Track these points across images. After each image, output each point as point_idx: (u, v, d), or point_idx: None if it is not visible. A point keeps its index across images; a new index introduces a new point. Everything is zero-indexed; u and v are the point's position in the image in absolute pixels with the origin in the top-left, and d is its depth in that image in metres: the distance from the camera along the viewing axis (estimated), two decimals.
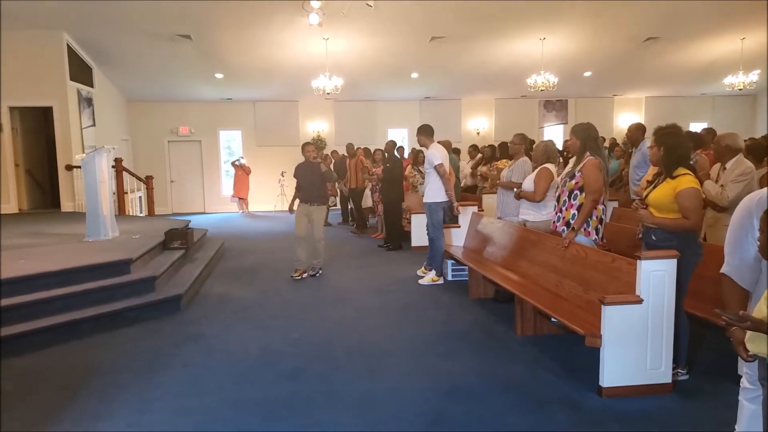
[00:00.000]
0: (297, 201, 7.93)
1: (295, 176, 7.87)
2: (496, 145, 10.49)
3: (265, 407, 3.69)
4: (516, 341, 4.91)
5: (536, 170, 5.61)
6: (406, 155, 13.01)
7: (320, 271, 7.73)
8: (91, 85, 12.80)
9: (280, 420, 3.52)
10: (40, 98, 11.45)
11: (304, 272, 7.60)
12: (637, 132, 6.97)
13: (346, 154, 12.95)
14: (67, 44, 11.44)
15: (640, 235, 4.04)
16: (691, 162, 5.41)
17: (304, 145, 7.89)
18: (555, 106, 18.16)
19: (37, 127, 12.76)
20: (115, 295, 5.71)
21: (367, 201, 11.68)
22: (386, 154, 10.33)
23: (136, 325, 5.47)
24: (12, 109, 11.48)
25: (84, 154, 7.78)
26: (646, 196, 3.96)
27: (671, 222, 3.76)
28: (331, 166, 13.42)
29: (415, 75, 14.93)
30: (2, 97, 11.17)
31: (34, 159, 12.67)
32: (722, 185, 5.00)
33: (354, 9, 9.97)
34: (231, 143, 17.53)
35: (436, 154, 6.95)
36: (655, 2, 10.68)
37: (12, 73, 11.13)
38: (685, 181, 3.71)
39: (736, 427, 2.55)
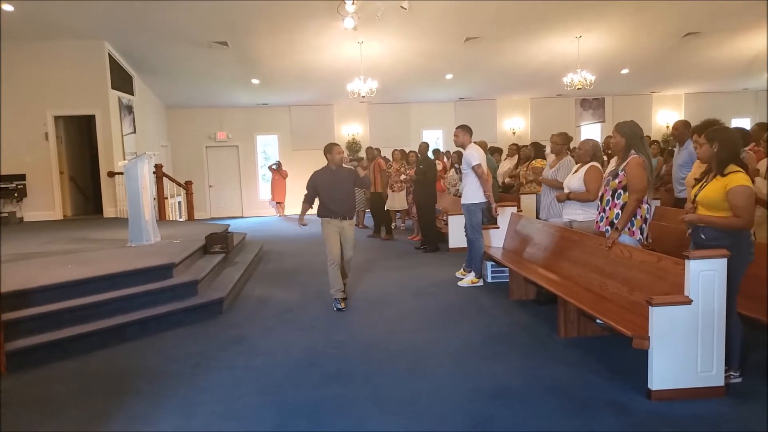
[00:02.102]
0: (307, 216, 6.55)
1: (313, 186, 6.35)
2: (528, 145, 10.40)
3: (310, 409, 3.71)
4: (559, 343, 4.84)
5: (583, 169, 5.49)
6: (445, 158, 12.97)
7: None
8: (132, 93, 13.10)
9: (325, 422, 3.54)
10: (83, 107, 11.76)
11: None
12: (684, 130, 6.72)
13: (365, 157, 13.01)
14: (109, 54, 11.73)
15: (689, 232, 3.94)
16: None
17: (333, 147, 6.39)
18: (592, 104, 17.90)
19: (81, 135, 13.14)
20: (159, 299, 5.80)
21: (394, 203, 11.61)
22: (419, 156, 10.30)
23: (180, 329, 5.55)
24: (56, 118, 11.81)
25: (126, 161, 7.95)
26: (696, 195, 3.85)
27: (721, 220, 3.67)
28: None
29: (449, 76, 14.89)
30: (47, 107, 11.54)
31: (78, 166, 13.04)
32: None
33: (388, 12, 9.98)
34: (267, 148, 17.71)
35: (474, 155, 6.92)
36: None
37: (56, 83, 11.51)
38: (737, 178, 3.61)
39: None
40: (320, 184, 6.30)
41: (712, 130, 3.79)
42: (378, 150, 13.11)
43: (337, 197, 6.24)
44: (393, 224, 12.29)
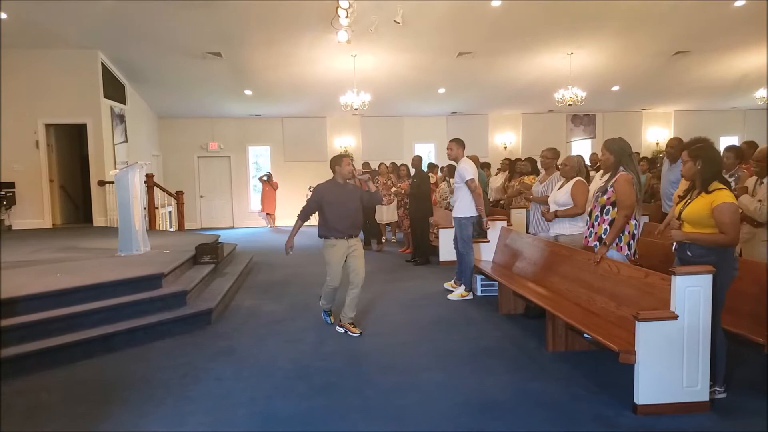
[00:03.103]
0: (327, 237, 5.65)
1: (318, 202, 5.61)
2: (523, 159, 10.47)
3: (298, 421, 3.71)
4: (547, 357, 4.86)
5: (569, 183, 5.54)
6: (439, 172, 13.03)
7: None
8: (124, 102, 13.09)
9: None
10: (75, 115, 11.74)
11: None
12: (678, 147, 6.75)
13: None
14: (102, 63, 11.74)
15: (675, 248, 3.98)
16: (733, 177, 5.34)
17: (341, 158, 5.69)
18: (583, 120, 18.05)
19: (72, 144, 13.11)
20: (148, 309, 5.78)
21: (383, 216, 11.66)
22: (412, 170, 10.33)
23: (169, 339, 5.53)
24: (48, 126, 11.78)
25: (117, 170, 7.94)
26: (680, 212, 3.90)
27: (707, 237, 3.71)
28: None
29: (442, 90, 14.99)
30: (39, 115, 11.51)
31: (68, 175, 12.99)
32: (760, 200, 4.91)
33: (382, 26, 10.06)
34: (259, 159, 17.73)
35: (467, 169, 6.96)
36: (685, 17, 10.62)
37: (48, 91, 11.50)
38: (722, 195, 3.66)
39: None
40: (327, 200, 5.57)
41: (695, 148, 3.85)
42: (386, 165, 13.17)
43: (344, 215, 5.58)
44: (384, 237, 12.33)
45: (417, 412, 3.81)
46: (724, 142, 14.79)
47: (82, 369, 4.76)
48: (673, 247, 4.00)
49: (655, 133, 18.14)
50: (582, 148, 17.65)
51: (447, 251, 9.25)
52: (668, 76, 14.32)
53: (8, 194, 11.27)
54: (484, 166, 11.75)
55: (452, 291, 7.24)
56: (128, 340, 5.34)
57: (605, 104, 16.94)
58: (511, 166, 10.92)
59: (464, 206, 7.02)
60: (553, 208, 5.65)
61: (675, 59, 13.06)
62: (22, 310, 5.07)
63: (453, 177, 8.01)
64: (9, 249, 8.28)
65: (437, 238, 9.82)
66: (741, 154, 5.82)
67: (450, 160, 7.44)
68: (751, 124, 17.84)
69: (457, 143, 7.14)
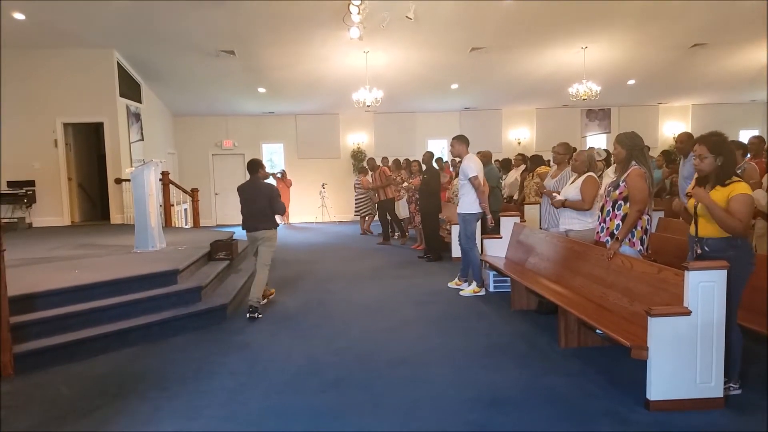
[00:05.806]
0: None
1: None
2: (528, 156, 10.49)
3: (310, 415, 3.75)
4: (559, 353, 4.85)
5: (580, 179, 5.53)
6: (451, 167, 13.03)
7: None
8: (140, 101, 13.21)
9: (324, 428, 3.57)
10: (92, 114, 11.86)
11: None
12: (689, 142, 6.72)
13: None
14: (117, 62, 11.85)
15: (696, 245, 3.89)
16: (738, 171, 5.29)
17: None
18: (598, 115, 17.92)
19: (89, 142, 13.25)
20: (163, 304, 5.85)
21: (400, 211, 11.79)
22: (424, 166, 10.34)
23: (184, 334, 5.60)
24: (66, 125, 11.92)
25: (133, 168, 8.02)
26: (695, 206, 3.86)
27: (723, 214, 3.60)
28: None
29: (454, 86, 14.96)
30: (57, 114, 11.66)
31: (86, 173, 13.14)
32: None
33: (393, 22, 10.06)
34: (273, 156, 17.80)
35: (471, 167, 6.94)
36: (702, 8, 10.50)
37: (66, 90, 11.63)
38: (741, 187, 3.64)
39: None
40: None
41: (716, 143, 3.75)
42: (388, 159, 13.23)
43: None
44: (407, 232, 12.45)
45: (427, 407, 3.83)
46: (744, 136, 14.58)
47: (99, 363, 4.84)
48: (696, 248, 3.89)
49: (672, 128, 17.94)
50: (597, 142, 17.53)
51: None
52: (685, 69, 14.17)
53: (28, 192, 11.43)
54: (502, 163, 11.78)
55: (458, 288, 7.23)
56: (144, 335, 5.41)
57: (620, 98, 16.80)
58: (526, 162, 10.88)
59: (468, 203, 7.02)
60: None
61: (692, 52, 12.91)
62: (41, 306, 5.15)
63: None
64: (29, 246, 8.41)
65: (449, 234, 9.82)
66: (743, 147, 5.77)
67: (453, 156, 7.40)
68: None
69: (459, 140, 7.12)
